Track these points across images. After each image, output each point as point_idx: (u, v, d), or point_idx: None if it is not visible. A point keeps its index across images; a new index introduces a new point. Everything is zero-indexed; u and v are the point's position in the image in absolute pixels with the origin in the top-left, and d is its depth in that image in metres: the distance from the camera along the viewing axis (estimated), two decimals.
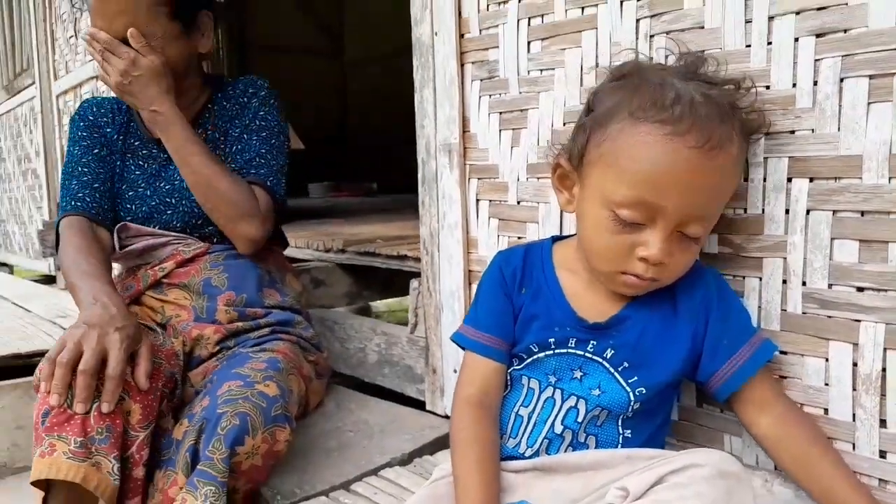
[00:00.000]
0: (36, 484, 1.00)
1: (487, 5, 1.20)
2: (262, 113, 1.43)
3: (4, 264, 4.27)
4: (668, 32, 0.97)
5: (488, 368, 0.93)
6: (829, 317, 0.86)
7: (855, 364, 0.85)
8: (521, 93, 1.17)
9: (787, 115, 0.87)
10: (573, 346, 0.90)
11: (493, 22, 1.20)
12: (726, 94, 0.82)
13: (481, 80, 1.23)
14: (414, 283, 1.47)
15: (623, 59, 0.96)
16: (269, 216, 1.38)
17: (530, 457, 0.90)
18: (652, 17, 0.99)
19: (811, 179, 0.86)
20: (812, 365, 0.88)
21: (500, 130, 1.21)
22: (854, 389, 0.85)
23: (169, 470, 1.05)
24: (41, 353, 1.79)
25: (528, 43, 1.15)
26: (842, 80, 0.82)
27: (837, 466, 0.82)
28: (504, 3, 1.18)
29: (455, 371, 1.33)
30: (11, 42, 4.00)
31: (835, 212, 0.84)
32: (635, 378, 0.88)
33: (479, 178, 1.27)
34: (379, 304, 4.13)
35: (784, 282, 0.89)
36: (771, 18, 0.87)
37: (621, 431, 0.89)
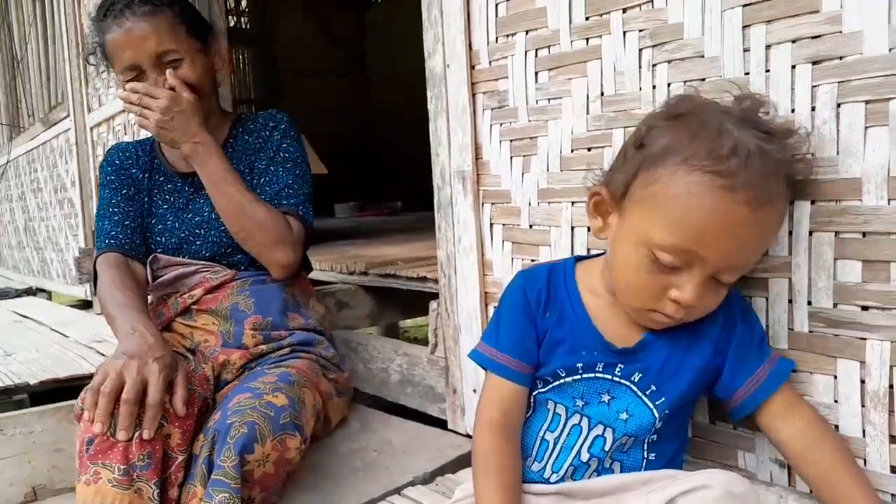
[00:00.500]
0: None
1: (496, 38, 1.25)
2: (284, 145, 1.50)
3: (43, 290, 4.40)
4: (669, 61, 1.00)
5: (510, 391, 0.93)
6: (836, 335, 0.88)
7: (863, 381, 0.86)
8: (530, 121, 1.21)
9: None
10: (601, 370, 0.91)
11: (503, 54, 1.24)
12: (780, 148, 0.80)
13: (492, 109, 1.27)
14: (433, 305, 1.50)
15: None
16: (301, 243, 1.46)
17: (556, 482, 0.92)
18: (654, 46, 1.02)
19: (812, 202, 0.88)
20: (821, 382, 0.90)
21: (511, 157, 1.25)
22: (863, 406, 0.87)
23: (190, 484, 1.10)
24: (79, 378, 1.87)
25: (536, 73, 1.19)
26: (839, 105, 0.84)
27: (858, 486, 0.82)
28: (512, 35, 1.22)
29: (475, 391, 1.36)
30: (47, 76, 4.16)
31: (837, 233, 0.86)
32: (662, 399, 0.89)
33: (492, 203, 1.30)
34: (407, 322, 4.18)
35: (790, 301, 0.91)
36: (768, 47, 0.90)
37: (646, 455, 0.91)
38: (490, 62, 1.27)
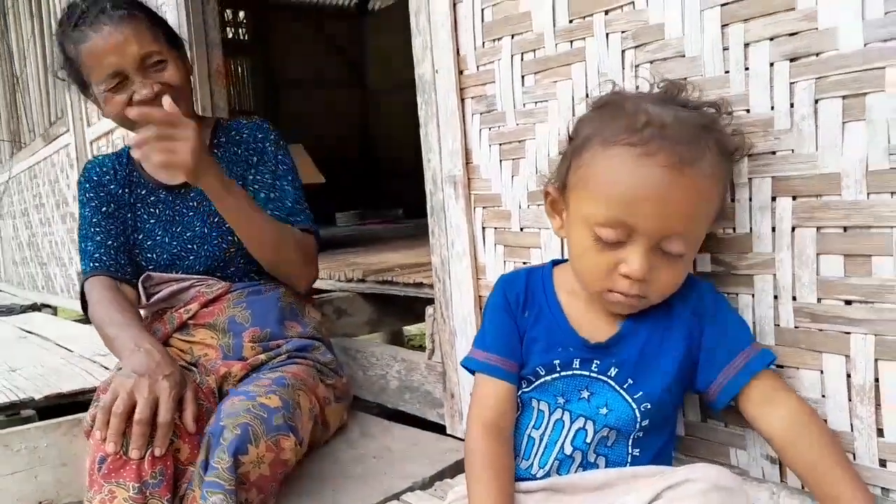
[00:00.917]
0: None
1: (483, 42, 1.26)
2: (280, 156, 1.50)
3: (48, 305, 4.43)
4: (651, 62, 1.01)
5: (499, 389, 0.95)
6: (821, 330, 0.88)
7: (849, 375, 0.87)
8: (517, 124, 1.22)
9: (767, 136, 0.90)
10: (578, 366, 0.93)
11: (489, 58, 1.25)
12: (700, 116, 0.85)
13: (481, 113, 1.28)
14: (429, 310, 1.51)
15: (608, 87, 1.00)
16: (317, 255, 1.51)
17: (542, 477, 0.93)
18: (636, 47, 1.03)
19: (794, 198, 0.88)
20: (808, 377, 0.91)
21: (500, 161, 1.26)
22: (850, 400, 0.87)
23: (189, 489, 1.11)
24: (83, 392, 1.88)
25: (522, 77, 1.20)
26: (817, 101, 0.85)
27: (846, 475, 0.81)
28: (498, 39, 1.23)
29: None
30: (46, 93, 4.20)
31: (819, 228, 0.87)
32: (640, 393, 0.90)
33: (483, 207, 1.31)
34: (412, 329, 4.18)
35: (775, 297, 0.92)
36: (747, 45, 0.90)
37: (630, 451, 0.92)
38: (477, 67, 1.28)
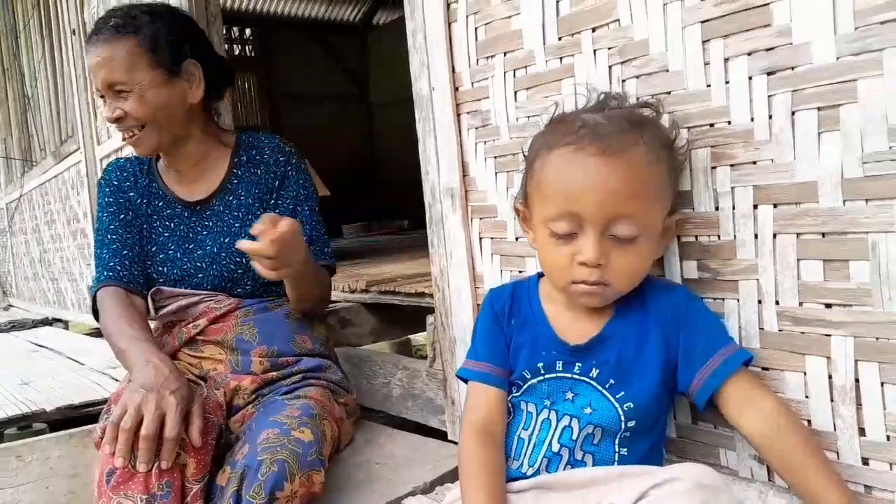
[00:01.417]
0: None
1: (477, 60, 1.30)
2: (301, 181, 1.53)
3: (59, 320, 4.48)
4: (637, 76, 1.05)
5: (489, 395, 1.01)
6: (803, 333, 0.91)
7: (830, 377, 0.90)
8: (511, 138, 1.26)
9: (748, 147, 0.93)
10: (561, 369, 0.98)
11: (484, 75, 1.29)
12: (629, 113, 0.94)
13: (476, 128, 1.32)
14: (430, 319, 1.55)
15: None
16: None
17: (532, 476, 0.96)
18: (623, 63, 1.07)
19: (775, 205, 0.92)
20: (791, 379, 0.94)
21: (495, 173, 1.30)
22: (832, 401, 0.90)
23: None
24: (94, 404, 1.92)
25: (515, 92, 1.24)
26: (793, 112, 0.88)
27: (823, 472, 0.84)
28: (492, 57, 1.27)
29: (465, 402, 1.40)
30: (57, 111, 4.27)
31: (798, 234, 0.90)
32: (622, 393, 0.94)
33: (480, 218, 1.35)
34: (419, 338, 4.22)
35: (759, 302, 0.95)
36: (726, 60, 0.94)
37: (617, 450, 0.95)
38: (472, 83, 1.32)
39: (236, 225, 1.50)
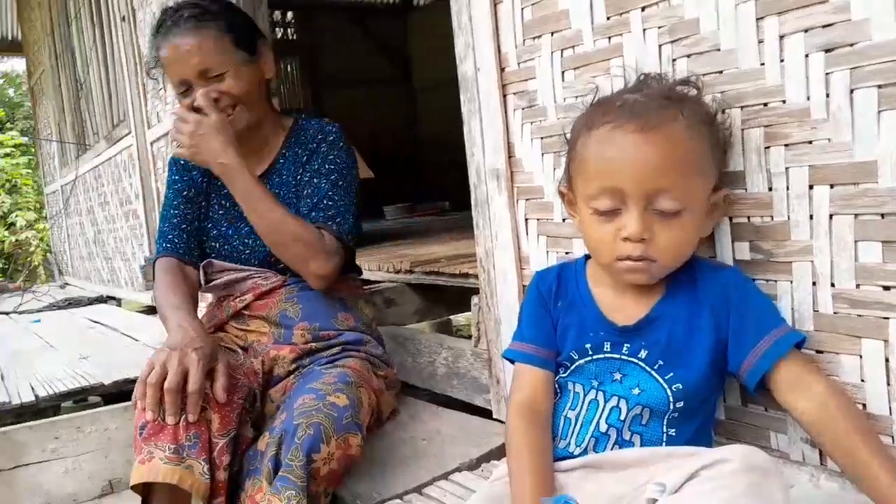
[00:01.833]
0: (134, 488, 1.17)
1: (524, 40, 1.30)
2: (331, 156, 1.53)
3: (112, 298, 4.64)
4: (688, 56, 1.03)
5: (535, 376, 1.02)
6: (860, 315, 0.90)
7: (887, 360, 0.88)
8: (558, 118, 1.25)
9: (803, 126, 0.91)
10: (609, 349, 0.98)
11: (530, 55, 1.29)
12: (667, 91, 0.95)
13: (522, 108, 1.32)
14: (474, 300, 1.56)
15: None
16: (337, 253, 1.46)
17: (579, 455, 0.97)
18: (673, 42, 1.05)
19: (831, 186, 0.90)
20: (847, 363, 0.92)
21: (542, 154, 1.30)
22: (888, 385, 0.88)
23: (255, 478, 1.18)
24: None
25: (563, 73, 1.23)
26: (852, 91, 0.86)
27: (876, 455, 0.83)
28: (538, 37, 1.26)
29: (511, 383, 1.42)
30: (109, 97, 4.38)
31: (856, 215, 0.88)
32: (671, 374, 0.94)
33: (526, 199, 1.35)
34: (460, 318, 4.24)
35: (814, 284, 0.94)
36: (782, 37, 0.92)
37: (665, 430, 0.95)
38: (518, 64, 1.32)
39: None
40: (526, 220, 1.36)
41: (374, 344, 1.58)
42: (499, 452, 1.38)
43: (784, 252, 0.96)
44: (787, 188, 0.95)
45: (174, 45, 1.41)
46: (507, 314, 1.43)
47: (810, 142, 0.91)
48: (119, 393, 1.94)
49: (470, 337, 1.67)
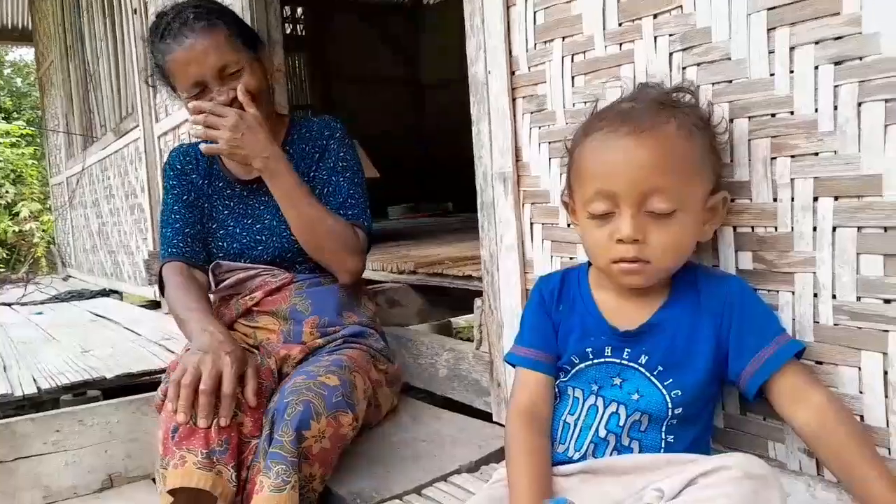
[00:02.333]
0: (169, 491, 1.16)
1: (535, 44, 1.30)
2: (342, 154, 1.58)
3: (115, 291, 4.65)
4: (699, 64, 1.04)
5: (535, 380, 1.03)
6: (860, 328, 0.90)
7: (885, 372, 0.88)
8: (567, 123, 1.26)
9: (810, 138, 0.92)
10: (609, 354, 0.99)
11: (541, 59, 1.29)
12: (661, 95, 0.97)
13: (531, 112, 1.33)
14: (477, 302, 1.57)
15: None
16: (365, 250, 1.55)
17: (578, 460, 0.98)
18: (684, 50, 1.06)
19: (836, 198, 0.91)
20: (846, 374, 0.93)
21: (549, 159, 1.31)
22: (886, 397, 0.89)
23: (255, 461, 1.20)
24: (150, 373, 2.00)
25: (573, 78, 1.24)
26: (860, 104, 0.87)
27: (872, 467, 0.84)
28: (550, 41, 1.27)
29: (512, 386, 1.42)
30: (117, 89, 4.40)
31: (860, 228, 0.89)
32: (670, 380, 0.95)
33: (532, 203, 1.36)
34: (460, 320, 4.25)
35: (815, 295, 0.94)
36: (792, 49, 0.93)
37: (664, 437, 0.96)
38: (529, 68, 1.32)
39: None
40: (531, 224, 1.37)
41: (377, 338, 1.59)
42: (498, 455, 1.38)
43: (787, 263, 0.97)
44: (792, 199, 0.95)
45: (189, 46, 1.41)
46: (509, 318, 1.43)
47: (817, 154, 0.92)
48: (120, 387, 1.94)
49: (470, 339, 1.68)
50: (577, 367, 1.01)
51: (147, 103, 3.64)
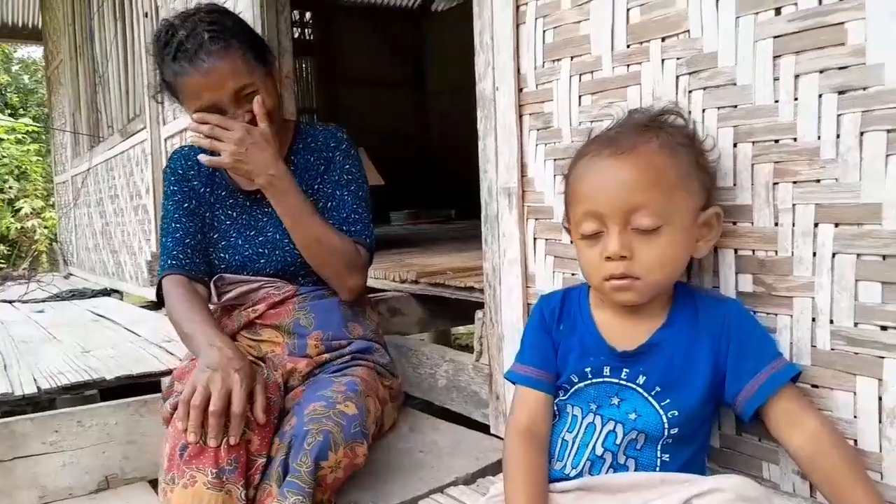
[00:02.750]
0: None
1: (543, 63, 1.32)
2: (347, 166, 1.56)
3: (116, 291, 4.66)
4: (704, 88, 1.06)
5: (534, 398, 1.05)
6: (856, 353, 0.92)
7: (880, 398, 0.90)
8: (573, 141, 1.27)
9: (812, 165, 0.94)
10: (608, 374, 1.00)
11: (548, 78, 1.31)
12: (643, 118, 1.00)
13: (537, 129, 1.35)
14: (478, 314, 1.58)
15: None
16: (367, 266, 1.55)
17: (575, 477, 0.99)
18: (690, 74, 1.07)
19: (836, 225, 0.92)
20: (841, 398, 0.94)
21: (554, 175, 1.32)
22: (880, 422, 0.90)
23: (265, 483, 1.19)
24: (150, 375, 2.00)
25: (580, 97, 1.26)
26: (862, 133, 0.89)
27: (864, 491, 0.85)
28: (558, 60, 1.29)
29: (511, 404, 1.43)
30: (126, 91, 4.43)
31: (859, 255, 0.90)
32: (668, 401, 0.96)
33: (536, 219, 1.37)
34: (460, 329, 4.26)
35: (813, 319, 0.96)
36: (797, 77, 0.94)
37: (659, 455, 0.97)
38: (536, 85, 1.34)
39: None
40: (535, 239, 1.38)
41: (382, 352, 1.59)
42: (495, 468, 1.39)
43: (786, 287, 0.98)
44: (793, 224, 0.96)
45: (206, 71, 1.36)
46: (510, 331, 1.45)
47: (818, 181, 0.93)
48: (119, 388, 1.94)
49: (469, 347, 1.69)
50: (577, 386, 1.02)
51: (155, 106, 3.66)
